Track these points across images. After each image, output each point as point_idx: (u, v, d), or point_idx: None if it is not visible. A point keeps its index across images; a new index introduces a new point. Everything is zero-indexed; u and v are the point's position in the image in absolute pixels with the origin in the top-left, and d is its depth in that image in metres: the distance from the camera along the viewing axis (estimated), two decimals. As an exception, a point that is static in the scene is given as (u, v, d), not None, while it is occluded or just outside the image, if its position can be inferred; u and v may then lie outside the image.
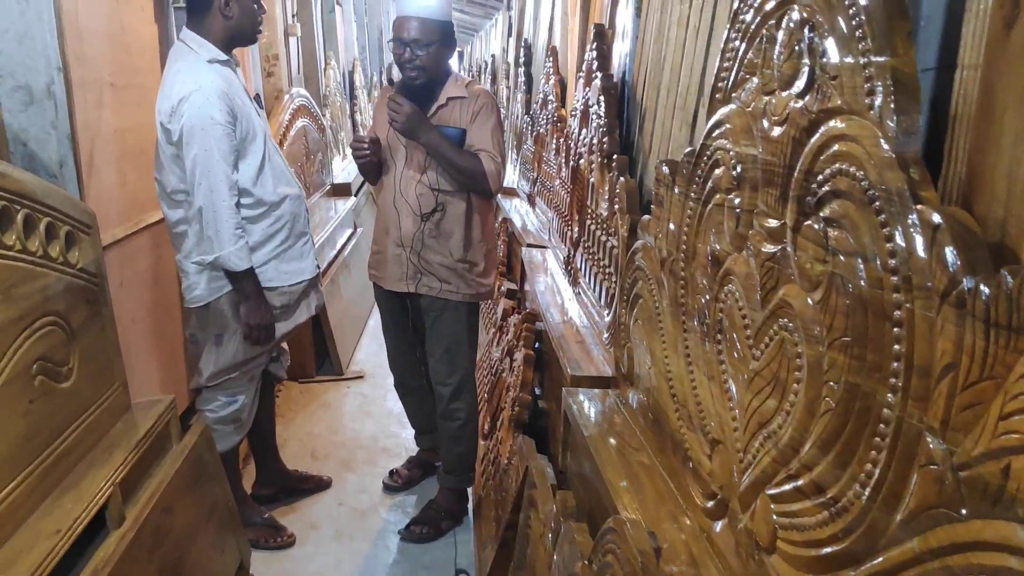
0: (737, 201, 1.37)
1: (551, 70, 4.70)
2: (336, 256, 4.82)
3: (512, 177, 6.56)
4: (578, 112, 3.20)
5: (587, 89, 2.99)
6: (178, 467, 2.00)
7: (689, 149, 1.61)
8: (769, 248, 1.24)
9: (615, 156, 2.47)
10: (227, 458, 2.75)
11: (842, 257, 1.04)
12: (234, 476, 2.88)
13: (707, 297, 1.49)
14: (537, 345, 3.13)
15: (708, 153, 1.51)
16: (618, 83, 2.78)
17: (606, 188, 2.54)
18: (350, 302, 4.73)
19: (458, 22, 15.46)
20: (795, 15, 1.20)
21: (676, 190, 1.69)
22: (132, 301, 2.76)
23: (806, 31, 1.16)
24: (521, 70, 6.48)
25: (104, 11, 2.53)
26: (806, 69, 1.15)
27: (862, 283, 0.99)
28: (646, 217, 1.92)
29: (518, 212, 5.14)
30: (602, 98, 2.69)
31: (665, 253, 1.75)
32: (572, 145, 3.31)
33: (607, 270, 2.47)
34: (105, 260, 2.30)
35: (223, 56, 2.58)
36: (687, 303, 1.61)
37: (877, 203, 0.96)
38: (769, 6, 1.29)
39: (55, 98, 2.08)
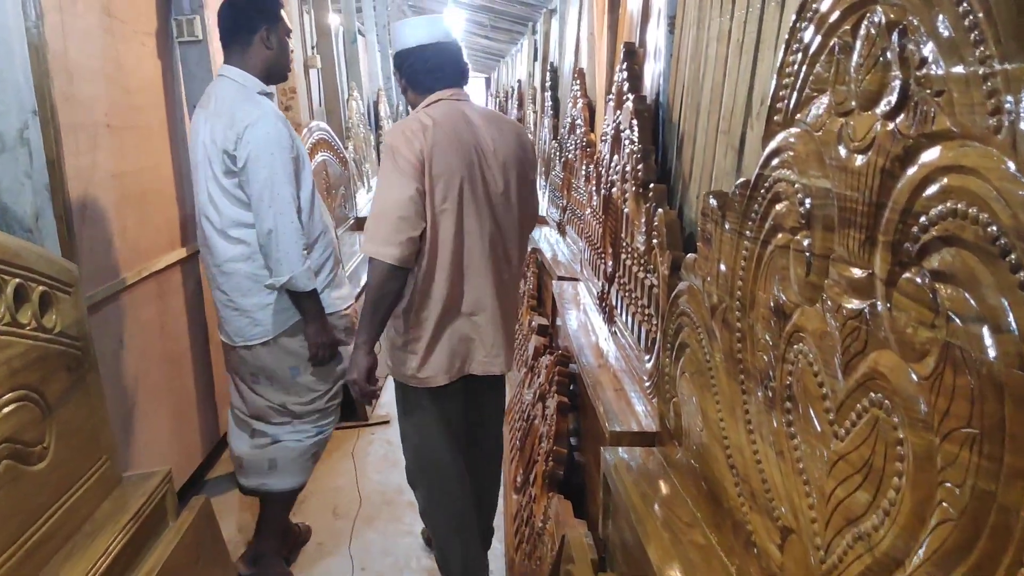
0: (807, 243, 1.14)
1: (578, 93, 4.51)
2: (360, 293, 4.64)
3: (541, 204, 6.36)
4: (608, 137, 2.99)
5: (618, 112, 2.78)
6: (173, 549, 1.79)
7: (742, 180, 1.39)
8: (853, 304, 1.01)
9: (652, 185, 2.24)
10: (291, 496, 2.75)
11: (959, 322, 0.80)
12: (285, 516, 2.80)
13: (771, 356, 1.26)
14: (571, 387, 2.90)
15: (766, 185, 1.29)
16: (652, 105, 2.56)
17: (642, 220, 2.31)
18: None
19: (482, 48, 15.39)
20: (878, 18, 0.97)
21: (727, 226, 1.46)
22: (136, 357, 2.58)
23: (894, 37, 0.93)
24: (548, 94, 6.31)
25: (97, 48, 2.38)
26: (896, 83, 0.93)
27: (992, 359, 0.76)
28: (691, 256, 1.69)
29: (548, 241, 4.93)
30: (635, 121, 2.48)
31: (716, 299, 1.52)
32: (603, 172, 3.09)
33: (646, 310, 2.24)
34: (103, 315, 2.13)
35: (268, 89, 2.54)
36: (745, 360, 1.37)
37: (1012, 256, 0.73)
38: (840, 10, 1.07)
39: (30, 145, 1.91)
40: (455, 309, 2.29)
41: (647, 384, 2.17)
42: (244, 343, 2.53)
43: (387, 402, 4.23)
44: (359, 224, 5.55)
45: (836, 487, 1.05)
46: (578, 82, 4.54)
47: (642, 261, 2.31)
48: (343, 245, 4.86)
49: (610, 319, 2.80)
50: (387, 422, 3.98)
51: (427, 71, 2.30)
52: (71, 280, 1.72)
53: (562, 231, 4.70)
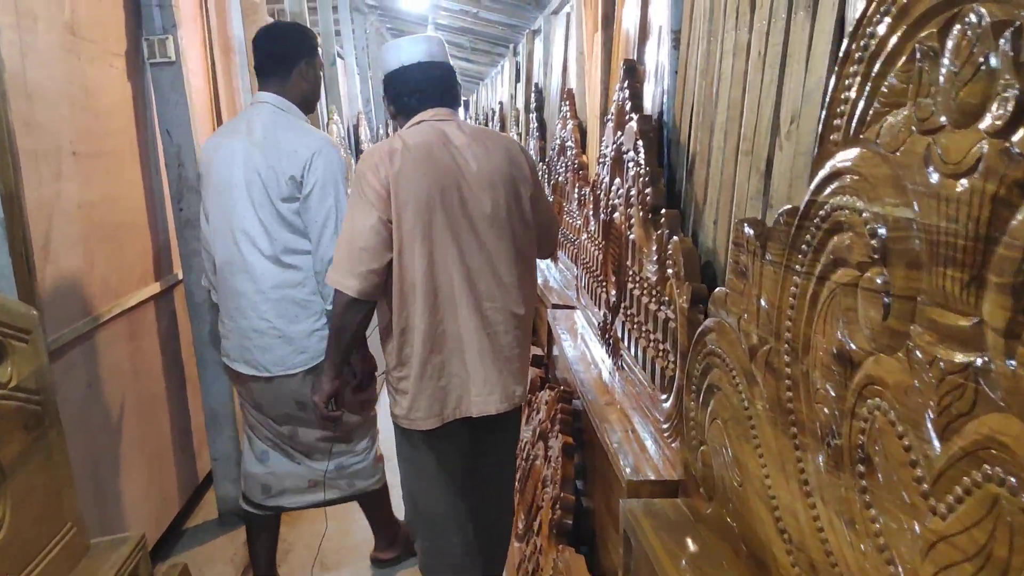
0: (881, 281, 0.98)
1: (568, 114, 4.37)
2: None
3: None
4: (607, 159, 2.84)
5: (619, 133, 2.63)
6: (146, 627, 1.60)
7: (788, 207, 1.23)
8: (955, 358, 0.85)
9: (663, 210, 2.09)
10: (384, 493, 2.90)
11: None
12: (388, 502, 2.96)
13: (835, 410, 1.10)
14: (574, 422, 2.73)
15: (821, 213, 1.13)
16: (656, 125, 2.41)
17: (653, 247, 2.16)
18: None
19: (461, 71, 15.29)
20: (975, 17, 0.82)
21: (768, 258, 1.31)
22: (105, 403, 2.38)
23: (1005, 39, 0.78)
24: (533, 116, 6.17)
25: (61, 70, 2.20)
26: (1010, 94, 0.77)
27: None
28: (721, 290, 1.53)
29: (538, 266, 4.76)
30: (640, 142, 2.33)
31: (756, 339, 1.36)
32: (602, 196, 2.94)
33: (660, 345, 2.08)
34: (68, 360, 1.94)
35: (306, 118, 2.55)
36: (799, 411, 1.21)
37: None
38: (920, 12, 0.92)
39: (-20, 175, 1.73)
40: (438, 345, 2.12)
41: (665, 426, 2.01)
42: (284, 371, 2.44)
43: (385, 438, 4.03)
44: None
45: (937, 573, 0.88)
46: (567, 103, 4.41)
47: (654, 292, 2.15)
48: (326, 274, 4.68)
49: (615, 352, 2.64)
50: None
51: (409, 92, 2.17)
52: (29, 326, 1.53)
53: (554, 259, 4.54)
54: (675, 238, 1.97)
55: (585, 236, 3.37)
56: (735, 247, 1.45)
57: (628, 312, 2.46)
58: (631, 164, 2.43)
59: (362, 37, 10.02)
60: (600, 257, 2.96)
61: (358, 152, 8.05)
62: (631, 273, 2.43)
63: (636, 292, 2.35)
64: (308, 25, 6.33)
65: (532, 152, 6.17)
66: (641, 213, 2.29)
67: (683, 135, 2.31)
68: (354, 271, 2.03)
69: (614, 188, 2.73)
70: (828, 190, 1.12)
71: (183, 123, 2.87)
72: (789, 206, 1.24)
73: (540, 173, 5.41)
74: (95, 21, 2.51)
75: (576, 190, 3.97)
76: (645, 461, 1.97)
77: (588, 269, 3.27)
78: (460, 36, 9.75)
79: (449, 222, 2.07)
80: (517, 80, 8.48)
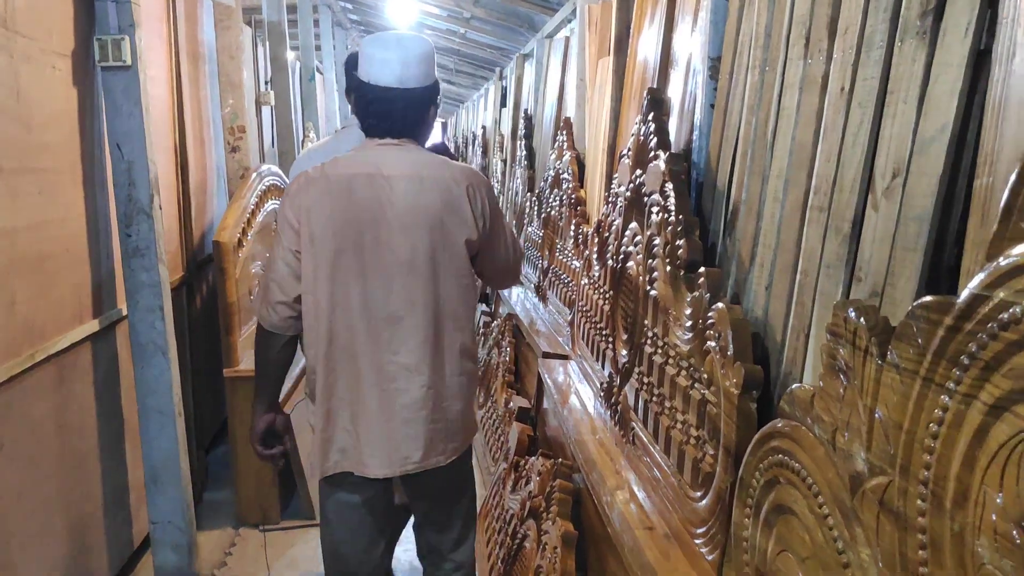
0: None
1: (565, 145, 4.05)
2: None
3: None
4: (621, 200, 2.51)
5: (638, 172, 2.30)
6: None
7: (931, 299, 0.90)
8: None
9: (701, 268, 1.75)
10: None
11: None
12: None
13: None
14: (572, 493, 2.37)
15: (1003, 318, 0.80)
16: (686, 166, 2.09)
17: (685, 311, 1.82)
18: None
19: (443, 92, 15.00)
20: None
21: (894, 361, 0.97)
22: (21, 465, 1.99)
23: None
24: (521, 143, 5.86)
25: (-17, 69, 1.83)
26: None
27: None
28: (803, 388, 1.20)
29: (524, 306, 4.42)
30: (669, 185, 2.00)
31: (863, 466, 1.02)
32: (611, 240, 2.61)
33: (694, 431, 1.73)
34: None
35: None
36: (950, 588, 0.87)
37: None
38: None
39: None
40: (330, 392, 1.95)
41: (698, 531, 1.66)
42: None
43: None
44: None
45: None
46: (564, 132, 4.09)
47: (685, 364, 1.81)
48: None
49: (622, 422, 2.29)
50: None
51: (367, 114, 1.97)
52: None
53: (542, 296, 4.20)
54: (719, 305, 1.64)
55: (586, 281, 3.03)
56: (832, 336, 1.12)
57: (644, 380, 2.11)
58: (655, 209, 2.10)
59: (343, 52, 9.67)
60: (606, 308, 2.63)
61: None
62: (650, 335, 2.09)
63: (657, 358, 2.01)
64: (287, 37, 5.98)
65: (518, 181, 5.85)
66: (669, 268, 1.95)
67: (721, 180, 1.99)
68: (268, 301, 1.95)
69: (628, 233, 2.40)
70: (1016, 282, 0.79)
71: (136, 137, 2.49)
72: (931, 298, 0.91)
73: (529, 204, 5.09)
74: (36, 15, 2.14)
75: (573, 227, 3.64)
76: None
77: (588, 318, 2.93)
78: (444, 56, 9.44)
79: (357, 264, 1.90)
80: (503, 105, 8.17)
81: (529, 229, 4.88)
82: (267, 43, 5.92)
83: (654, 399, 2.03)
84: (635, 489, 2.03)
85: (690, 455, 1.74)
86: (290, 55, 6.25)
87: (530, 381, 3.85)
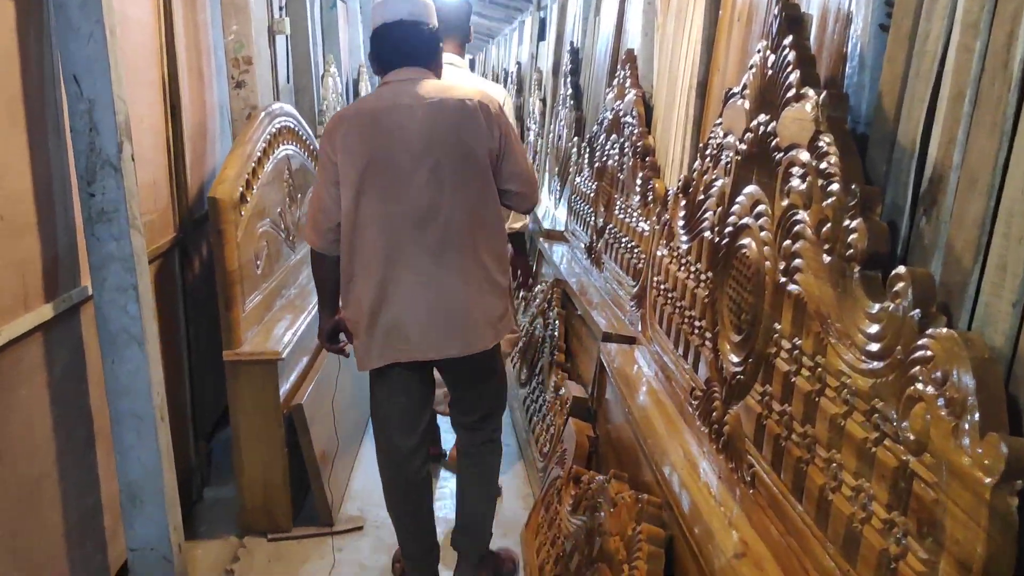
0: None
1: (627, 82, 3.41)
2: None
3: (551, 210, 5.27)
4: (728, 154, 1.92)
5: (762, 118, 1.70)
6: None
7: None
8: None
9: (902, 269, 1.17)
10: None
11: None
12: None
13: None
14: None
15: None
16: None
17: (865, 327, 1.24)
18: (346, 404, 3.40)
19: (474, 26, 14.21)
20: None
21: None
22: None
23: None
24: (566, 81, 5.20)
25: None
26: None
27: None
28: None
29: (571, 268, 3.84)
30: (827, 138, 1.40)
31: None
32: (714, 206, 2.02)
33: (878, 509, 1.16)
34: None
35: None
36: None
37: None
38: None
39: None
40: (377, 297, 2.22)
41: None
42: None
43: (358, 491, 3.13)
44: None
45: None
46: (626, 68, 3.45)
47: (864, 408, 1.23)
48: (309, 266, 3.74)
49: (731, 452, 1.73)
50: (360, 528, 2.87)
51: (384, 52, 2.28)
52: None
53: (595, 259, 3.61)
54: (944, 332, 1.06)
55: (663, 252, 2.45)
56: None
57: (773, 407, 1.55)
58: (798, 171, 1.51)
59: (367, -20, 8.94)
60: (701, 294, 2.05)
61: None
62: (787, 346, 1.51)
63: (802, 382, 1.44)
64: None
65: (562, 122, 5.21)
66: (829, 258, 1.37)
67: (906, 133, 1.38)
68: (319, 229, 2.27)
69: (743, 199, 1.80)
70: None
71: (98, 67, 1.91)
72: None
73: (577, 151, 4.47)
74: None
75: (639, 181, 3.04)
76: None
77: (669, 299, 2.35)
78: (476, -14, 8.69)
79: (390, 181, 2.17)
80: (541, 38, 7.47)
81: (577, 180, 4.26)
82: (282, -35, 5.26)
83: (793, 438, 1.46)
84: (747, 542, 1.48)
85: (872, 542, 1.18)
86: (308, -20, 5.58)
87: (584, 362, 3.29)
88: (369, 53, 2.33)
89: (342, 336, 2.42)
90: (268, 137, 3.14)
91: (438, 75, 2.31)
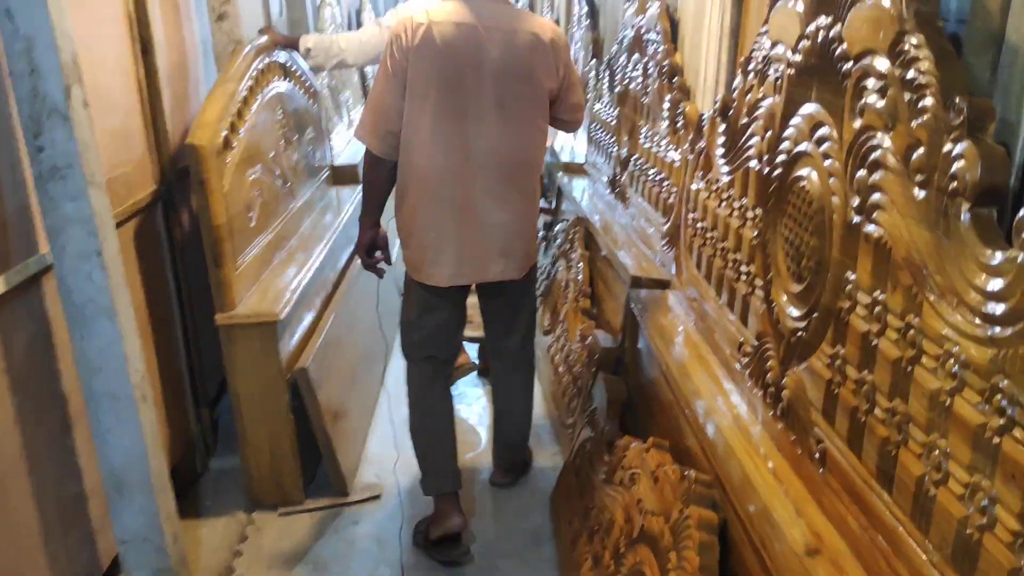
0: None
1: (651, -7, 3.07)
2: (337, 283, 3.26)
3: (568, 142, 4.94)
4: (777, 68, 1.62)
5: (822, 20, 1.40)
6: None
7: None
8: None
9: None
10: None
11: None
12: None
13: None
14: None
15: None
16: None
17: (983, 282, 0.97)
18: (358, 364, 3.16)
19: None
20: None
21: None
22: None
23: None
24: (580, -2, 4.82)
25: None
26: None
27: None
28: None
29: (594, 203, 3.54)
30: (916, 39, 1.11)
31: None
32: (761, 131, 1.73)
33: (1010, 520, 0.91)
34: None
35: None
36: None
37: None
38: None
39: None
40: (428, 214, 2.28)
41: None
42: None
43: (374, 455, 2.92)
44: (338, 176, 4.14)
45: None
46: (649, -24, 3.10)
47: (983, 387, 0.96)
48: (312, 212, 3.48)
49: (792, 420, 1.48)
50: (377, 496, 2.67)
51: None
52: None
53: (619, 193, 3.31)
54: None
55: (700, 185, 2.16)
56: None
57: (847, 373, 1.28)
58: (873, 84, 1.21)
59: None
60: (748, 234, 1.77)
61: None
62: (866, 301, 1.24)
63: (890, 348, 1.17)
64: None
65: (577, 44, 4.85)
66: (922, 193, 1.09)
67: (1019, 33, 1.08)
68: (376, 131, 2.24)
69: (799, 122, 1.51)
70: None
71: (35, -2, 1.64)
72: None
73: (595, 74, 4.13)
74: None
75: (667, 106, 2.73)
76: None
77: (708, 240, 2.08)
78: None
79: (455, 104, 2.19)
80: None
81: (596, 107, 3.94)
82: None
83: (877, 413, 1.20)
84: (844, 564, 1.23)
85: (995, 557, 0.93)
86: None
87: (610, 307, 3.03)
88: None
89: (378, 253, 2.42)
90: (255, 74, 2.85)
91: None
